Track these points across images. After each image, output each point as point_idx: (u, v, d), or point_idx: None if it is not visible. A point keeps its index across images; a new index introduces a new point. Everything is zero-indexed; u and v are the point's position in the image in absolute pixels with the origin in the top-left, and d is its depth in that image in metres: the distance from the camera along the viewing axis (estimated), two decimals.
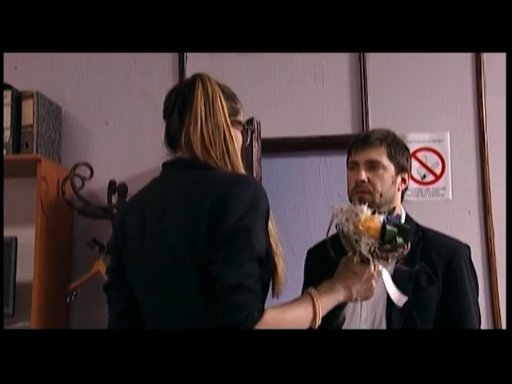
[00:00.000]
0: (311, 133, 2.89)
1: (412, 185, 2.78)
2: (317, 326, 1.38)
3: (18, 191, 2.83)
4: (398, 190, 1.87)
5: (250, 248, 1.30)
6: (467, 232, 2.77)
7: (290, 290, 1.59)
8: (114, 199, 2.80)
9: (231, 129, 1.44)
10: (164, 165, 1.50)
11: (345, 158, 1.95)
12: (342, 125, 2.89)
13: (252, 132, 1.53)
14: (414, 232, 1.81)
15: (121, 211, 1.55)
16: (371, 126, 2.85)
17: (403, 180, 1.87)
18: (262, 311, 1.28)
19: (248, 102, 2.93)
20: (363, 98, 2.89)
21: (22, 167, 2.70)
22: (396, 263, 1.52)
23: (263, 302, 1.36)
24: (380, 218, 1.46)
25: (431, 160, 2.84)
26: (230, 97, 1.49)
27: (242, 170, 1.44)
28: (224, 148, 1.41)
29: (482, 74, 2.84)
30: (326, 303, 1.41)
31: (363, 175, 1.79)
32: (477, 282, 1.84)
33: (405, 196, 1.96)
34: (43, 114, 2.75)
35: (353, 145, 1.89)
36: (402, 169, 1.85)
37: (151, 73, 2.99)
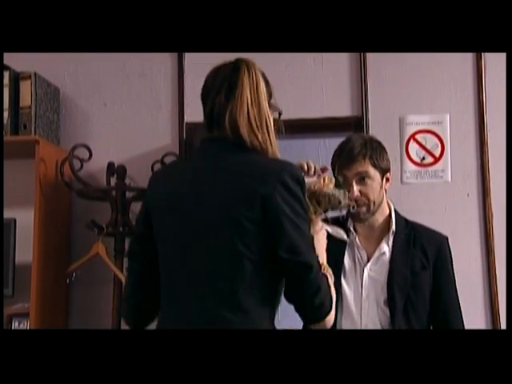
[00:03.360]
0: (310, 115, 2.88)
1: (411, 167, 2.78)
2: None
3: (16, 173, 2.82)
4: (385, 189, 2.05)
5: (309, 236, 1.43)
6: (466, 214, 2.77)
7: None
8: (113, 181, 2.80)
9: (270, 114, 1.51)
10: (207, 140, 1.54)
11: (343, 139, 2.05)
12: (341, 107, 2.88)
13: (280, 114, 1.64)
14: (404, 225, 2.05)
15: (154, 181, 1.57)
16: (370, 108, 2.85)
17: (387, 179, 2.05)
18: None
19: None
20: (363, 80, 2.88)
21: (21, 149, 2.69)
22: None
23: None
24: (320, 180, 1.68)
25: (430, 142, 2.83)
26: (266, 81, 1.55)
27: (278, 154, 1.51)
28: (267, 133, 1.47)
29: (482, 56, 2.83)
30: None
31: (356, 192, 1.95)
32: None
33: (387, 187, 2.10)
34: (41, 95, 2.74)
35: (337, 161, 2.01)
36: (385, 171, 2.02)
37: (150, 55, 2.97)
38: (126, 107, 3.00)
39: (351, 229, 2.07)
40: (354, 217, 2.04)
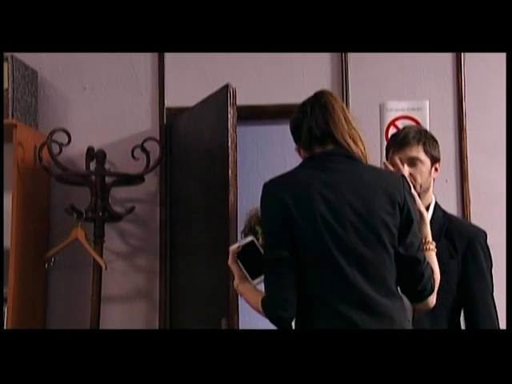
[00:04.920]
0: (291, 99, 2.87)
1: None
2: None
3: None
4: (433, 178, 2.14)
5: None
6: (444, 200, 2.76)
7: None
8: (93, 166, 2.78)
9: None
10: (319, 154, 1.73)
11: None
12: None
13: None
14: (441, 217, 2.12)
15: (283, 190, 1.71)
16: (351, 94, 2.86)
17: (436, 169, 2.16)
18: None
19: (226, 69, 2.93)
20: (343, 66, 2.88)
21: None
22: None
23: None
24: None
25: None
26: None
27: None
28: (362, 144, 1.73)
29: None
30: None
31: (406, 172, 2.06)
32: (492, 263, 2.11)
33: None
34: (18, 78, 2.70)
35: (392, 145, 2.13)
36: (435, 160, 2.13)
37: None
38: (105, 91, 2.97)
39: None
40: None
